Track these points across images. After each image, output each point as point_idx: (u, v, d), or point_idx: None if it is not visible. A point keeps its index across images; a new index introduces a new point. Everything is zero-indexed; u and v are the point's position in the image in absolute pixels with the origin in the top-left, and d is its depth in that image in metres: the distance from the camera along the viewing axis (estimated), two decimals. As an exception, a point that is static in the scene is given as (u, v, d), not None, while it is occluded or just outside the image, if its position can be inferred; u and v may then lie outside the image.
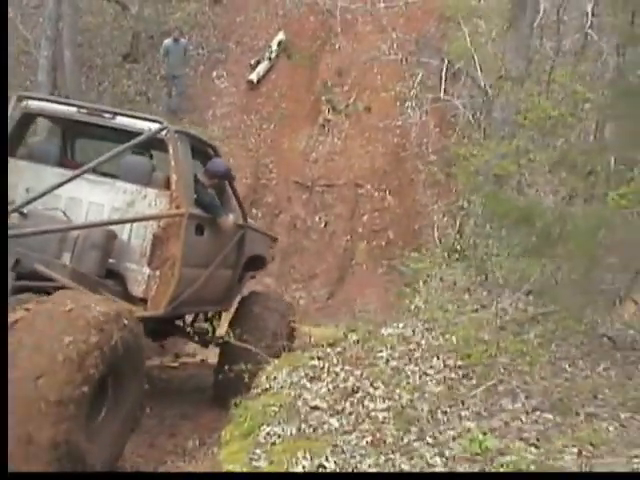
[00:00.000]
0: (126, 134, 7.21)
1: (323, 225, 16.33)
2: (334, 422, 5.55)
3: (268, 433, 5.49)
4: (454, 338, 6.91)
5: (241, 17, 20.99)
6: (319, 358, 6.68)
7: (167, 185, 7.21)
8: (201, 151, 8.08)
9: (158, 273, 7.02)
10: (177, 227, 7.01)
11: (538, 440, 5.28)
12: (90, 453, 5.30)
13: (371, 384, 6.10)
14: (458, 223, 11.30)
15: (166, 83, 18.26)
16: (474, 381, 6.25)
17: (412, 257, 9.73)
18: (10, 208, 6.36)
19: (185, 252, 7.02)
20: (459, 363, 6.51)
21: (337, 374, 6.34)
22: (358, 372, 6.33)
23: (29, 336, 5.15)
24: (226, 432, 6.08)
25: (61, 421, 4.89)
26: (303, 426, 5.49)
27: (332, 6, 19.58)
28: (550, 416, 5.69)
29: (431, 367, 6.49)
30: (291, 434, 5.42)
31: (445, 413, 5.69)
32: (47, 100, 8.22)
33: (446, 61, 16.38)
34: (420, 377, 6.30)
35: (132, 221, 7.10)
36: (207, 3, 21.29)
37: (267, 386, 6.38)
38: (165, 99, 18.15)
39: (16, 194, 7.04)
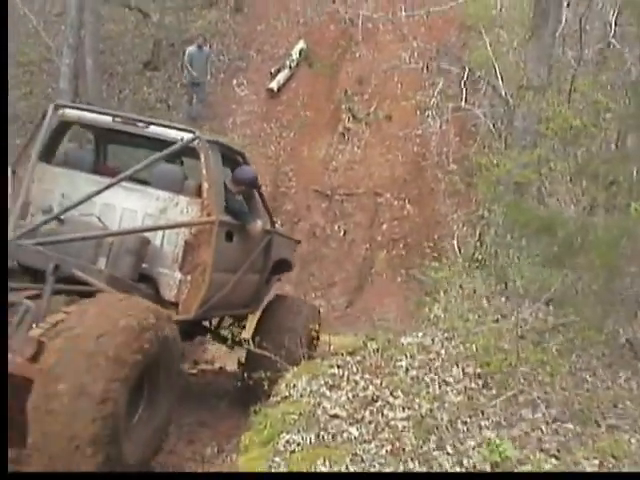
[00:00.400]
0: (158, 142, 7.55)
1: (342, 234, 16.32)
2: (353, 431, 5.55)
3: (287, 441, 5.50)
4: (474, 347, 6.88)
5: (262, 25, 21.07)
6: (338, 366, 6.69)
7: (198, 193, 7.43)
8: (230, 159, 8.31)
9: (189, 278, 7.24)
10: (208, 234, 7.23)
11: (558, 451, 5.28)
12: (127, 447, 5.50)
13: (391, 393, 6.10)
14: (478, 232, 11.25)
15: (187, 90, 18.34)
16: (494, 391, 6.23)
17: (432, 266, 9.68)
18: (48, 214, 7.12)
19: (215, 258, 7.24)
20: (479, 372, 6.50)
21: (356, 383, 6.34)
22: (377, 381, 6.33)
23: (94, 307, 5.72)
24: (245, 439, 6.10)
25: (114, 378, 5.21)
26: (322, 434, 5.50)
27: (353, 15, 19.59)
28: (571, 426, 5.68)
29: (451, 376, 6.48)
30: (310, 442, 5.44)
31: (465, 423, 5.69)
32: (82, 109, 8.44)
33: (467, 70, 16.35)
34: (440, 386, 6.29)
35: (165, 228, 7.33)
36: (228, 11, 21.43)
37: (287, 394, 6.39)
38: (185, 106, 18.22)
39: (52, 199, 7.46)
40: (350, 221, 16.38)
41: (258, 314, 9.22)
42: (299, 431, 5.58)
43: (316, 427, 5.60)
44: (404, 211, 16.55)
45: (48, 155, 7.77)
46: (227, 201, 7.81)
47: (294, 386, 6.45)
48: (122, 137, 8.40)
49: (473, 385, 6.34)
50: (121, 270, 6.95)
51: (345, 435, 5.50)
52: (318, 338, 9.27)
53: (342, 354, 7.04)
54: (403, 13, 14.90)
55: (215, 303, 7.51)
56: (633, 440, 5.55)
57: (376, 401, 5.99)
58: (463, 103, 15.23)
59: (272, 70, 19.66)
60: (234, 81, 19.51)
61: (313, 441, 5.44)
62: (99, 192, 6.99)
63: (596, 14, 14.24)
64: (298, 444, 5.44)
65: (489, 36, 15.05)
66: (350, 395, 6.12)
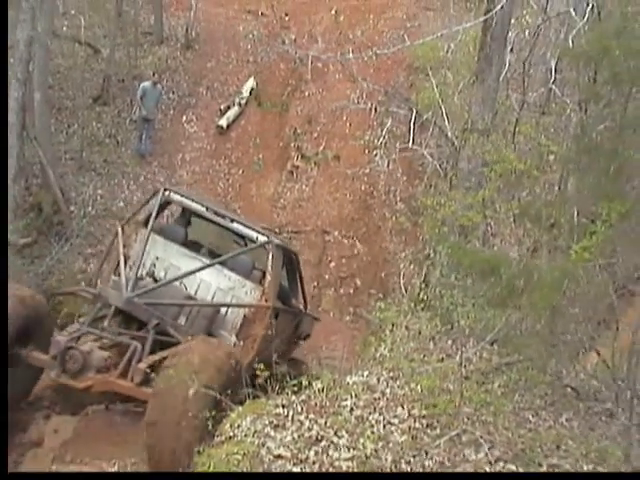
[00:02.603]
0: (234, 233, 10.25)
1: (290, 271, 16.32)
2: (298, 471, 5.52)
3: (231, 482, 5.45)
4: (419, 387, 6.91)
5: (212, 63, 21.18)
6: (283, 406, 6.65)
7: (261, 281, 9.71)
8: (286, 256, 10.53)
9: (242, 343, 9.33)
10: (263, 314, 9.46)
11: (501, 492, 5.30)
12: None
13: (335, 433, 6.08)
14: (424, 272, 11.35)
15: (136, 126, 18.24)
16: (438, 431, 6.25)
17: (378, 305, 9.73)
18: (150, 275, 9.57)
19: (264, 333, 9.34)
20: (423, 412, 6.51)
21: (301, 422, 6.31)
22: (322, 420, 6.31)
23: (198, 340, 8.08)
24: (189, 481, 6.04)
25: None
26: (266, 475, 5.46)
27: (303, 54, 19.77)
28: (513, 467, 5.72)
29: (395, 416, 6.48)
30: (254, 483, 5.39)
31: (409, 463, 5.70)
32: (183, 195, 10.63)
33: (414, 111, 16.57)
34: (384, 426, 6.29)
35: (236, 306, 9.54)
36: (178, 48, 21.47)
37: (231, 434, 6.34)
38: (135, 142, 18.12)
39: (147, 259, 9.63)
40: (298, 259, 16.41)
41: None
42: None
43: (260, 468, 5.57)
44: (352, 249, 16.65)
45: (151, 224, 9.71)
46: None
47: (238, 426, 6.40)
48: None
49: (417, 425, 6.36)
50: (197, 329, 9.14)
51: (289, 476, 5.48)
52: None
53: (287, 393, 7.01)
54: (351, 55, 15.06)
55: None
56: (574, 480, 5.62)
57: (320, 441, 5.97)
58: (410, 143, 15.41)
59: (221, 107, 19.74)
60: (183, 117, 19.53)
61: (257, 482, 5.41)
62: (199, 270, 9.44)
63: (539, 59, 14.59)
64: (242, 485, 5.40)
65: (436, 78, 15.33)
66: (295, 435, 6.10)
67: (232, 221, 10.12)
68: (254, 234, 9.98)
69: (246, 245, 10.62)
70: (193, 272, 9.40)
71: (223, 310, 9.53)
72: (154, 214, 9.79)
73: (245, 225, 10.19)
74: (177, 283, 9.48)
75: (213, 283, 9.70)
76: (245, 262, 9.92)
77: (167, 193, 10.24)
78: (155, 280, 9.48)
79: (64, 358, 8.24)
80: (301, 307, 11.59)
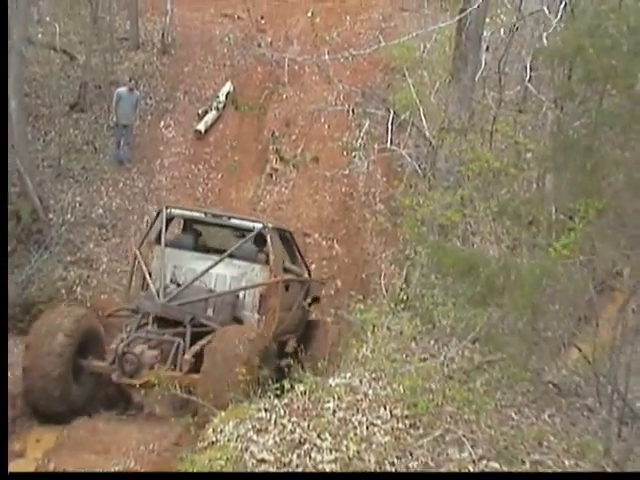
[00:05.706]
0: (234, 228, 11.49)
1: (271, 274, 16.31)
2: (281, 475, 5.51)
3: (214, 488, 5.43)
4: (401, 388, 6.91)
5: (189, 67, 21.14)
6: (266, 410, 6.64)
7: (267, 261, 10.91)
8: (282, 235, 11.87)
9: (264, 318, 10.79)
10: (275, 289, 10.84)
11: (485, 490, 5.31)
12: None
13: (318, 435, 6.07)
14: (405, 272, 11.38)
15: (114, 132, 18.15)
16: (421, 431, 6.26)
17: (359, 306, 9.73)
18: (173, 282, 10.79)
19: (280, 303, 10.72)
20: (406, 413, 6.52)
21: (284, 426, 6.30)
22: (305, 423, 6.30)
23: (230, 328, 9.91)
24: (172, 487, 6.01)
25: (252, 356, 8.89)
26: (250, 480, 5.45)
27: (279, 57, 19.76)
28: (496, 465, 5.73)
29: (378, 417, 6.48)
30: (237, 488, 5.37)
31: (392, 464, 5.70)
32: (183, 208, 12.44)
33: (392, 111, 16.57)
34: (367, 428, 6.28)
35: (250, 288, 10.88)
36: (155, 53, 21.40)
37: (214, 439, 6.32)
38: (113, 149, 18.02)
39: (167, 269, 10.91)
40: (279, 262, 16.38)
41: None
42: (226, 477, 5.52)
43: (243, 472, 5.55)
44: (332, 251, 16.63)
45: (161, 239, 10.97)
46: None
47: (221, 431, 6.39)
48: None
49: (400, 425, 6.36)
50: (224, 316, 10.52)
51: (273, 480, 5.46)
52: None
53: (270, 397, 7.00)
54: (327, 56, 15.04)
55: (279, 332, 10.78)
56: (556, 475, 5.64)
57: (303, 444, 5.96)
58: (389, 144, 15.40)
59: (199, 112, 19.69)
60: (161, 123, 19.45)
61: (240, 487, 5.39)
62: (210, 268, 10.63)
63: (514, 57, 14.64)
64: (225, 491, 5.38)
65: (412, 78, 15.34)
66: (277, 439, 6.08)
67: (229, 218, 11.51)
68: (251, 224, 11.26)
69: (245, 236, 11.62)
70: (208, 269, 10.60)
71: (242, 295, 10.90)
72: (164, 230, 11.00)
73: (241, 219, 11.70)
74: (197, 282, 10.62)
75: (227, 274, 10.98)
76: (249, 249, 11.11)
77: (169, 210, 11.55)
78: (178, 285, 10.67)
79: (122, 362, 9.50)
80: (306, 275, 12.83)
